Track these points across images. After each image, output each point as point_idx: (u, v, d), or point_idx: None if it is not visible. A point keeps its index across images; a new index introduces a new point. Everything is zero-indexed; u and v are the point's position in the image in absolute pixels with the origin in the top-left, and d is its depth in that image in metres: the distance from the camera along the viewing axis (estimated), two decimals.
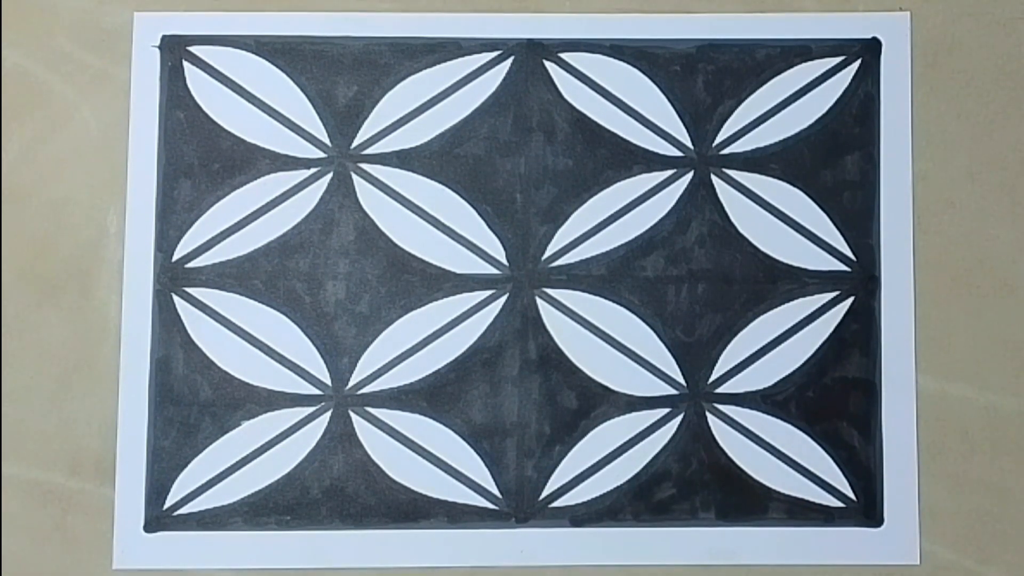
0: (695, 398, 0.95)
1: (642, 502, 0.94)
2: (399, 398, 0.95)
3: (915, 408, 0.95)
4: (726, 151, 0.97)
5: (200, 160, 0.96)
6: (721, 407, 0.95)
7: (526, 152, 0.97)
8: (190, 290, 0.95)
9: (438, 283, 0.95)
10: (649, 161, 0.97)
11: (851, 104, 0.97)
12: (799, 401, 0.95)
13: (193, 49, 0.97)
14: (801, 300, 0.96)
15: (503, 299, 0.95)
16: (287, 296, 0.95)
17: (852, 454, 0.94)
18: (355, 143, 0.97)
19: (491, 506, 0.94)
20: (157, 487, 0.94)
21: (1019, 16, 0.98)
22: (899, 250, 0.96)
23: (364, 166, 0.96)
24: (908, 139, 0.97)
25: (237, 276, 0.95)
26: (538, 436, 0.94)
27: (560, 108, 0.97)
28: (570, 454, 0.94)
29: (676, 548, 0.94)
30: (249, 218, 0.96)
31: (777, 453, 0.94)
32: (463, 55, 0.98)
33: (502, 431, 0.94)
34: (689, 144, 0.97)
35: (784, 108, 0.97)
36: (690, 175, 0.97)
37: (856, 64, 0.98)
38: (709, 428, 0.95)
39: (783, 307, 0.96)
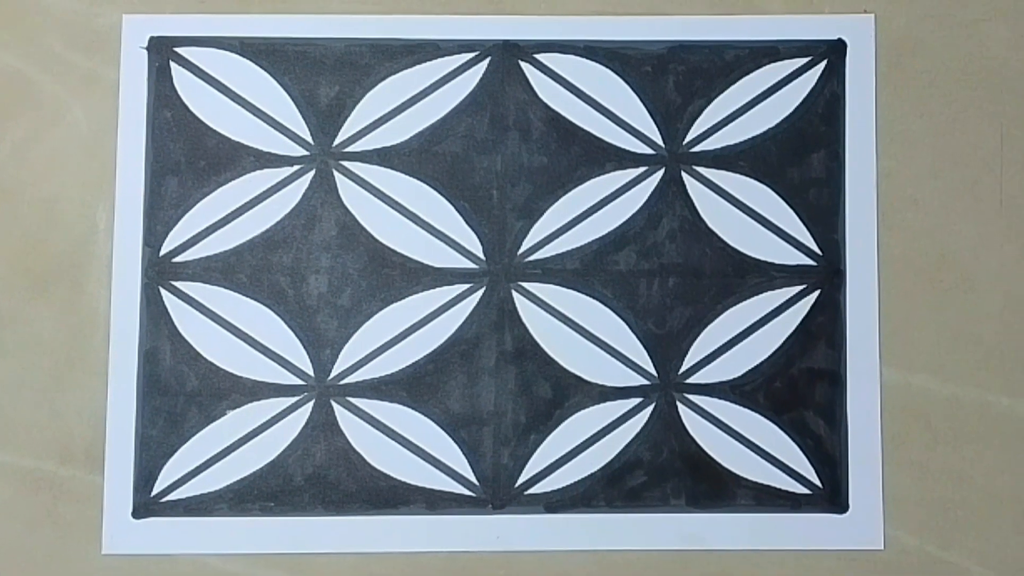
0: (666, 388, 0.95)
1: (615, 489, 0.95)
2: (379, 388, 0.95)
3: (879, 398, 0.95)
4: (696, 149, 0.97)
5: (187, 158, 0.97)
6: (691, 397, 0.95)
7: (502, 150, 0.97)
8: (177, 284, 0.96)
9: (417, 277, 0.96)
10: (621, 159, 0.97)
11: (817, 103, 0.98)
12: (767, 391, 0.95)
13: (180, 50, 0.97)
14: (769, 293, 0.96)
15: (480, 292, 0.96)
16: (271, 290, 0.96)
17: (818, 443, 0.95)
18: (337, 141, 0.97)
19: (468, 493, 0.95)
20: (145, 474, 0.94)
21: (980, 18, 0.98)
22: (864, 245, 0.96)
23: (345, 163, 0.97)
24: (872, 137, 0.97)
25: (222, 270, 0.96)
26: (514, 425, 0.95)
27: (535, 107, 0.97)
28: (545, 442, 0.95)
29: (648, 534, 0.94)
30: (234, 214, 0.96)
31: (745, 441, 0.95)
32: (441, 56, 0.98)
33: (479, 420, 0.95)
34: (660, 142, 0.97)
35: (752, 107, 0.97)
36: (661, 172, 0.97)
37: (822, 65, 0.98)
38: (680, 417, 0.95)
39: (751, 300, 0.96)
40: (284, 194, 0.97)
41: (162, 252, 0.96)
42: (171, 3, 0.98)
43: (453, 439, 0.95)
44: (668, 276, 0.96)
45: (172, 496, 0.94)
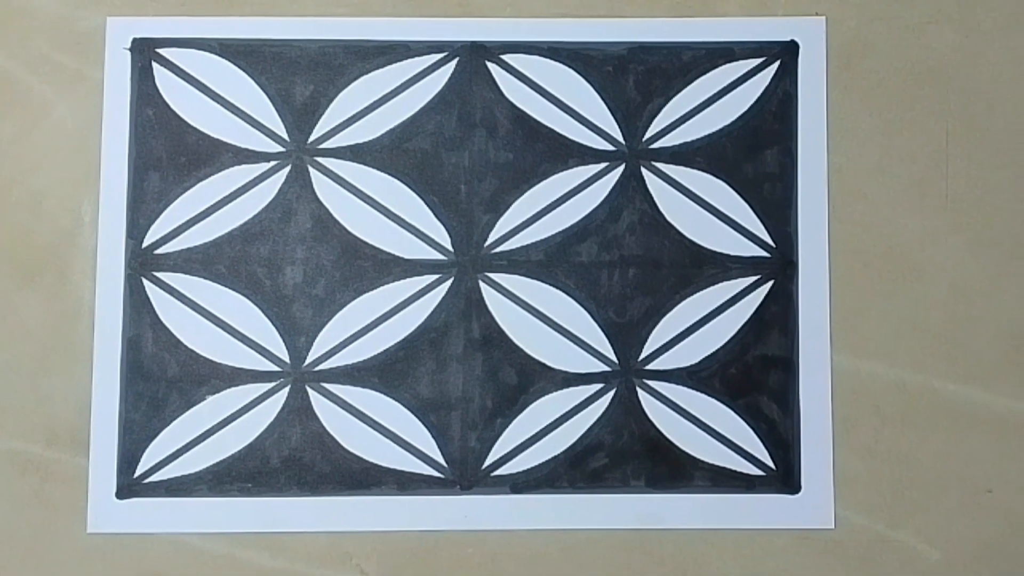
0: (626, 374, 0.96)
1: (577, 471, 0.95)
2: (352, 374, 0.96)
3: (830, 384, 0.96)
4: (655, 146, 0.98)
5: (168, 154, 0.97)
6: (650, 383, 0.96)
7: (470, 146, 0.97)
8: (159, 274, 0.96)
9: (388, 268, 0.96)
10: (583, 155, 0.97)
11: (771, 102, 0.98)
12: (722, 377, 0.96)
13: (161, 51, 0.98)
14: (724, 284, 0.97)
15: (448, 283, 0.96)
16: (248, 280, 0.96)
17: (772, 426, 0.96)
18: (311, 138, 0.97)
19: (437, 475, 0.95)
20: (128, 457, 0.94)
21: (927, 21, 0.99)
22: (815, 237, 0.97)
23: (320, 159, 0.97)
24: (824, 135, 0.98)
25: (202, 261, 0.96)
26: (481, 410, 0.95)
27: (501, 106, 0.98)
28: (511, 426, 0.95)
29: (608, 513, 0.95)
30: (213, 208, 0.97)
31: (702, 425, 0.96)
32: (411, 56, 0.98)
33: (448, 405, 0.95)
34: (620, 139, 0.98)
35: (708, 106, 0.98)
36: (621, 168, 0.97)
37: (775, 65, 0.98)
38: (639, 402, 0.96)
39: (708, 290, 0.97)
40: (261, 189, 0.97)
41: (144, 244, 0.96)
42: (153, 6, 0.98)
43: (423, 423, 0.95)
44: (628, 267, 0.97)
45: (154, 477, 0.95)
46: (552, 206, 0.98)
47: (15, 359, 0.96)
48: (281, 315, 0.96)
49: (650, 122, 0.98)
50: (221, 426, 0.96)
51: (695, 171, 0.98)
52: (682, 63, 0.99)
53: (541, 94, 0.98)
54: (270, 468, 0.95)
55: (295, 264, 0.97)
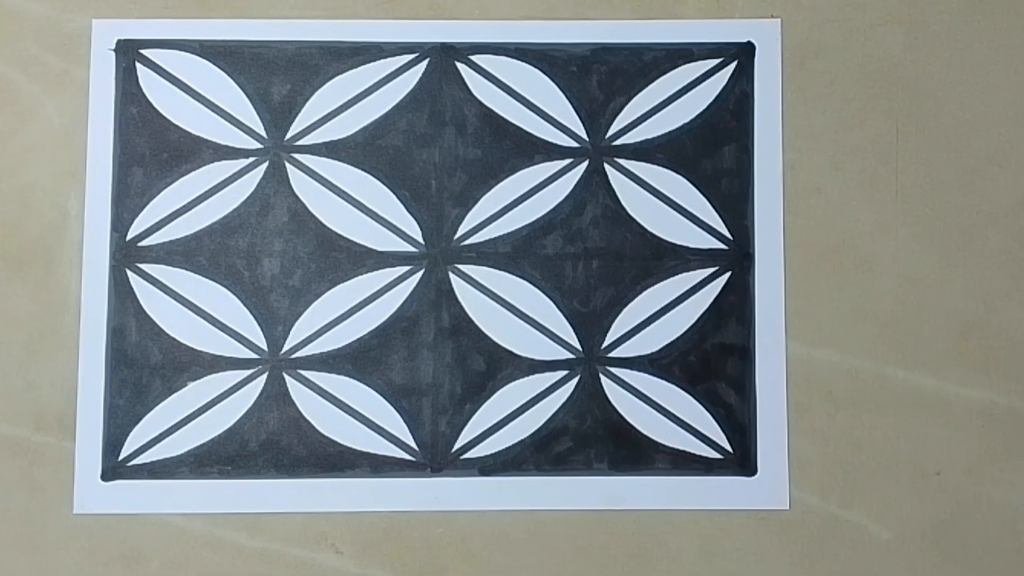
0: (590, 362, 0.97)
1: (543, 454, 0.96)
2: (327, 362, 0.97)
3: (785, 370, 0.97)
4: (617, 142, 0.99)
5: (151, 150, 0.98)
6: (613, 370, 0.97)
7: (440, 143, 0.98)
8: (142, 266, 0.97)
9: (362, 260, 0.97)
10: (549, 151, 0.99)
11: (728, 101, 0.99)
12: (682, 364, 0.97)
13: (145, 52, 0.99)
14: (684, 275, 0.98)
15: (419, 274, 0.97)
16: (228, 271, 0.97)
17: (729, 411, 0.97)
18: (288, 135, 0.98)
19: (409, 458, 0.96)
20: (113, 441, 0.95)
21: (878, 23, 1.00)
22: (771, 230, 0.98)
23: (296, 156, 0.98)
24: (779, 132, 0.99)
25: (184, 253, 0.97)
26: (451, 395, 0.96)
27: (470, 104, 0.99)
28: (479, 411, 0.97)
29: (573, 495, 0.96)
30: (194, 202, 0.98)
31: (662, 411, 0.97)
32: (384, 57, 0.99)
33: (419, 391, 0.97)
34: (585, 136, 0.99)
35: (669, 104, 0.99)
36: (585, 164, 0.99)
37: (732, 65, 1.00)
38: (602, 388, 0.97)
39: (668, 281, 0.98)
40: (240, 184, 0.98)
41: (128, 237, 0.97)
42: (137, 8, 0.99)
43: (395, 408, 0.96)
44: (592, 259, 0.98)
45: (138, 460, 0.96)
46: (519, 200, 0.99)
47: (4, 347, 0.96)
48: (259, 305, 0.97)
49: (613, 120, 0.99)
50: (202, 411, 0.96)
51: (656, 167, 0.99)
52: (643, 63, 1.00)
53: (508, 93, 0.99)
54: (249, 451, 0.96)
55: (273, 256, 0.98)
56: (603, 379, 0.98)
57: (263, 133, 0.99)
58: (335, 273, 0.98)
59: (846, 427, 0.97)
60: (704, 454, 0.97)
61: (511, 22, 1.00)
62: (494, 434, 0.97)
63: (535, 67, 1.00)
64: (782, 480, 0.97)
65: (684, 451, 0.97)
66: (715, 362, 0.98)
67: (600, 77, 1.00)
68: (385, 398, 0.97)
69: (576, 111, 1.00)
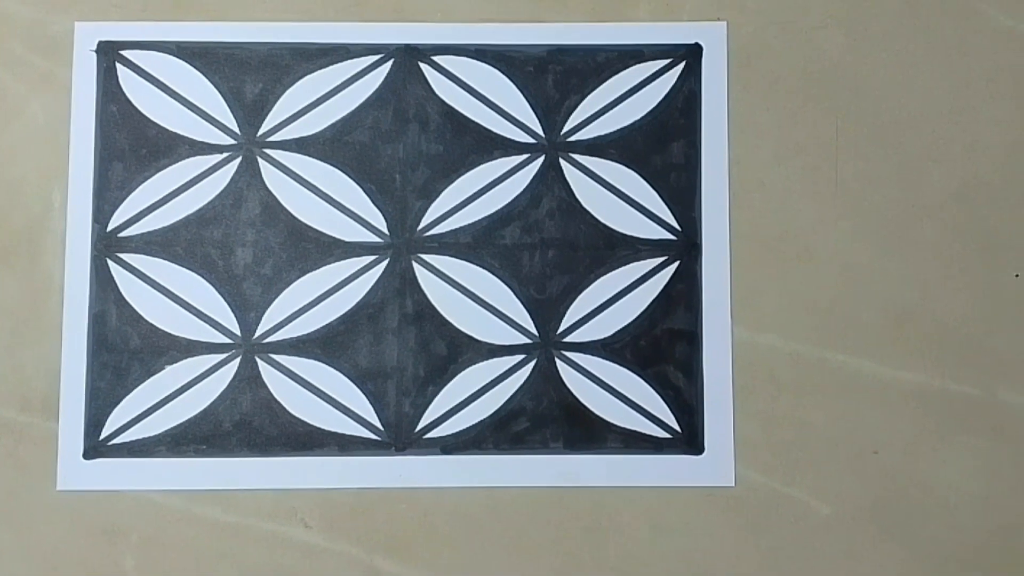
0: (546, 346, 0.98)
1: (501, 434, 0.97)
2: (297, 346, 0.97)
3: (731, 355, 0.98)
4: (572, 139, 1.00)
5: (130, 146, 0.98)
6: (568, 354, 0.98)
7: (404, 139, 0.99)
8: (122, 255, 0.98)
9: (330, 249, 0.98)
10: (507, 147, 0.99)
11: (677, 99, 1.00)
12: (633, 349, 0.98)
13: (124, 53, 0.99)
14: (635, 264, 0.99)
15: (385, 263, 0.98)
16: (203, 261, 0.98)
17: (678, 393, 0.98)
18: (260, 132, 0.99)
19: (374, 437, 0.97)
20: (94, 421, 0.96)
21: (819, 26, 1.01)
22: (717, 222, 0.99)
23: (268, 151, 0.99)
24: (725, 129, 1.00)
25: (161, 244, 0.98)
26: (414, 378, 0.97)
27: (432, 103, 0.99)
28: (441, 393, 0.97)
29: (530, 472, 0.97)
30: (171, 195, 0.98)
31: (615, 392, 0.98)
32: (351, 58, 1.00)
33: (384, 374, 0.97)
34: (541, 133, 1.00)
35: (621, 102, 1.00)
36: (542, 159, 0.99)
37: (681, 66, 1.00)
38: (558, 372, 0.98)
39: (620, 270, 0.99)
40: (215, 178, 0.99)
41: (109, 228, 0.98)
42: (117, 12, 0.99)
43: (361, 390, 0.97)
44: (548, 249, 0.99)
45: (118, 440, 0.96)
46: (479, 193, 0.99)
47: None
48: (233, 292, 0.98)
49: (567, 117, 1.00)
50: (178, 393, 0.97)
51: (608, 162, 1.00)
52: (596, 64, 1.00)
53: (469, 92, 1.00)
54: (223, 431, 0.97)
55: (246, 246, 0.98)
56: (558, 363, 0.98)
57: (236, 130, 1.00)
58: (304, 262, 0.99)
59: (788, 408, 0.98)
60: (654, 434, 0.98)
61: (471, 24, 1.01)
62: (455, 415, 0.98)
63: (494, 67, 1.00)
64: (728, 458, 0.98)
65: (635, 431, 0.98)
66: (664, 347, 0.99)
67: (556, 77, 1.00)
68: (352, 381, 0.98)
69: (533, 109, 1.00)
